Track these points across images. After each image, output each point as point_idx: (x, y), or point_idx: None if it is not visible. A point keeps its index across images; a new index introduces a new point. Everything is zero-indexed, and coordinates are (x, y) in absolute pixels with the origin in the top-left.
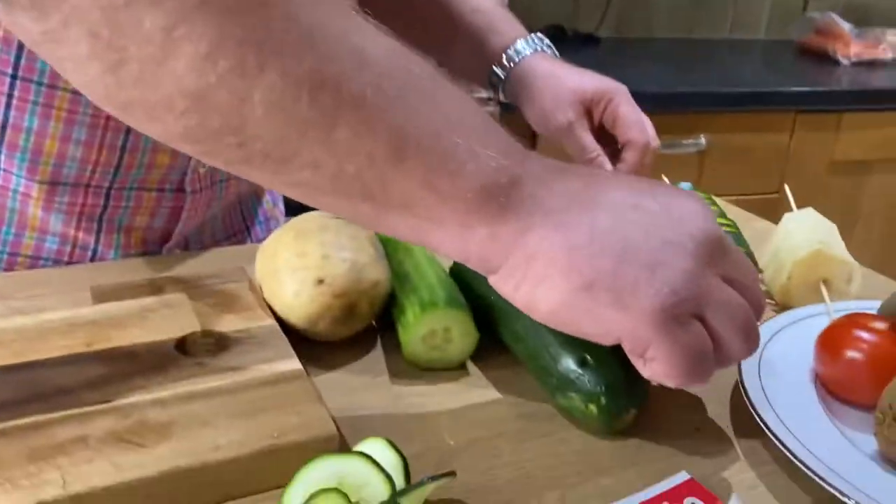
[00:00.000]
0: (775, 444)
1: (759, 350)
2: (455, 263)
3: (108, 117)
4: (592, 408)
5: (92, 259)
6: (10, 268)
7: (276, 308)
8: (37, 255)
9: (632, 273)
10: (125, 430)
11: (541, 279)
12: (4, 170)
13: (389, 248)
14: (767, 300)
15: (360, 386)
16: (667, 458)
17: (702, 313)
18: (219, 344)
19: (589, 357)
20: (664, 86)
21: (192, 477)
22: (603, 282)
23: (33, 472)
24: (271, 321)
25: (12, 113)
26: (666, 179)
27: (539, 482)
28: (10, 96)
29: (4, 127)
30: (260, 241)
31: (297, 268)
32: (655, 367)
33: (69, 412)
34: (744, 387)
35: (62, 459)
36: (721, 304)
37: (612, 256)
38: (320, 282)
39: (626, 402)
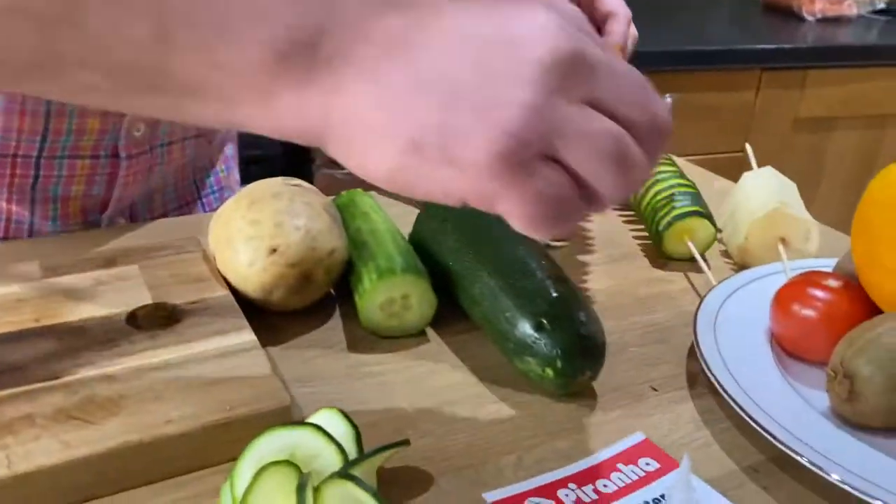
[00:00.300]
0: (730, 403)
1: (715, 309)
2: (414, 229)
3: None
4: (549, 371)
5: (29, 233)
6: None
7: (230, 278)
8: None
9: (460, 122)
10: (73, 406)
11: (365, 145)
12: None
13: (347, 215)
14: (726, 260)
15: (317, 356)
16: (622, 419)
17: (554, 152)
18: (171, 317)
19: (545, 321)
20: None
21: (142, 452)
22: (429, 138)
23: None
24: (225, 292)
25: None
26: None
27: (496, 447)
28: None
29: None
30: (213, 210)
31: (250, 236)
32: (513, 221)
33: (16, 390)
34: (699, 346)
35: (9, 439)
36: (581, 137)
37: (437, 106)
38: (273, 251)
39: (582, 365)
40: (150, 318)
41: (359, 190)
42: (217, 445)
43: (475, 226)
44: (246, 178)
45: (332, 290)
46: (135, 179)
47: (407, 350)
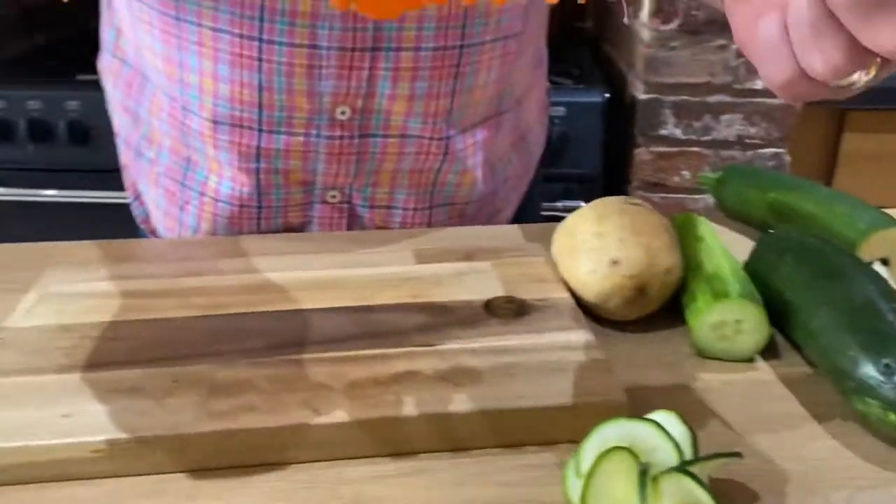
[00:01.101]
0: None
1: None
2: (751, 258)
3: (243, 54)
4: (892, 417)
5: (258, 203)
6: (201, 208)
7: (571, 283)
8: (216, 197)
9: None
10: (447, 370)
11: None
12: (185, 108)
13: (683, 235)
14: None
15: (646, 364)
16: None
17: None
18: (519, 310)
19: (892, 364)
20: None
21: (498, 418)
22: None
23: (376, 393)
24: (566, 294)
25: (178, 52)
26: None
27: (826, 481)
28: (178, 38)
29: (181, 66)
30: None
31: (594, 248)
32: None
33: (402, 349)
34: None
35: (397, 387)
36: None
37: None
38: (615, 262)
39: None
40: (502, 308)
41: (693, 213)
42: (560, 424)
43: (818, 260)
44: (567, 195)
45: (662, 307)
46: (345, 161)
47: (734, 373)
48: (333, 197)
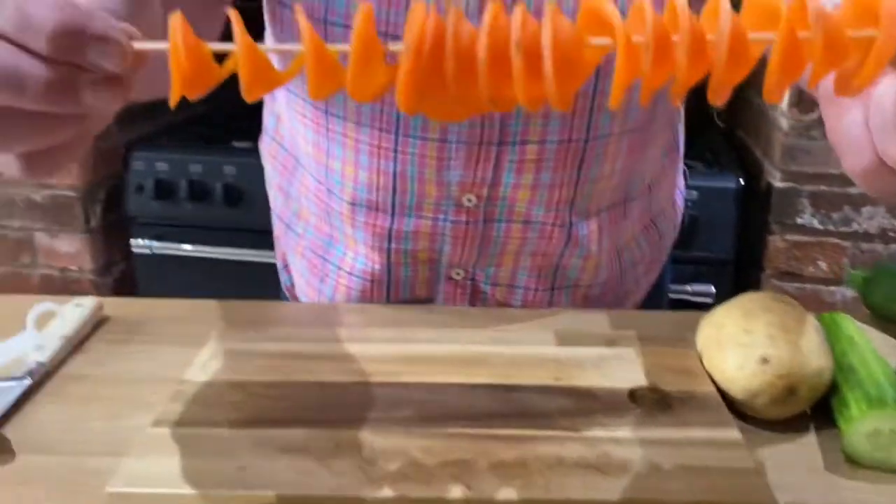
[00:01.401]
0: None
1: None
2: None
3: (381, 146)
4: None
5: (388, 279)
6: (338, 281)
7: (717, 378)
8: (351, 272)
9: None
10: (593, 458)
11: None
12: (329, 190)
13: (832, 337)
14: None
15: (794, 467)
16: None
17: None
18: (664, 401)
19: None
20: None
21: None
22: None
23: (524, 474)
24: (712, 388)
25: (326, 141)
26: None
27: None
28: (327, 129)
29: (328, 154)
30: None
31: (742, 343)
32: None
33: (548, 432)
34: None
35: (546, 470)
36: None
37: None
38: (765, 360)
39: None
40: (646, 398)
41: (840, 313)
42: None
43: None
44: (697, 278)
45: (808, 409)
46: (469, 243)
47: (891, 484)
48: (458, 274)
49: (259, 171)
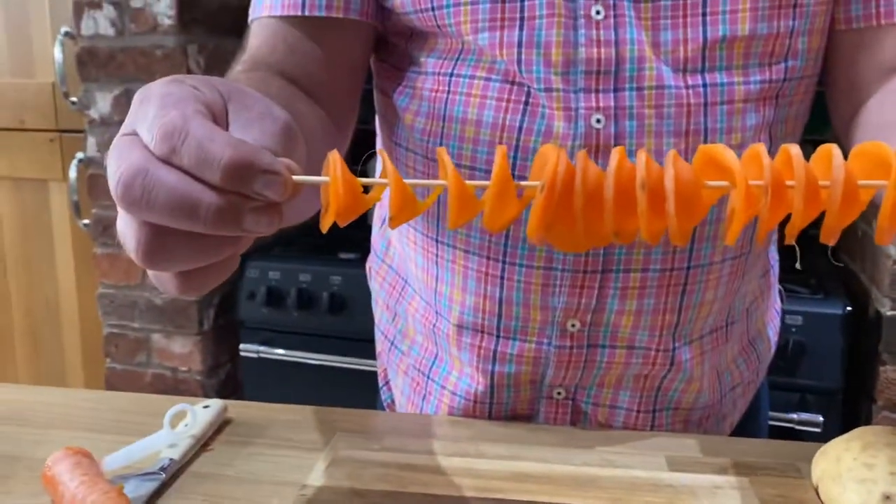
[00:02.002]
0: None
1: None
2: None
3: (488, 273)
4: None
5: (490, 399)
6: (440, 399)
7: None
8: (454, 391)
9: None
10: None
11: None
12: (437, 312)
13: None
14: None
15: None
16: None
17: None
18: None
19: None
20: None
21: None
22: None
23: None
24: None
25: (436, 267)
26: None
27: None
28: (436, 256)
29: (437, 278)
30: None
31: (863, 478)
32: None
33: None
34: None
35: None
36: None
37: None
38: (887, 498)
39: None
40: None
41: None
42: None
43: None
44: (802, 407)
45: None
46: (573, 367)
47: None
48: (559, 394)
49: (363, 281)
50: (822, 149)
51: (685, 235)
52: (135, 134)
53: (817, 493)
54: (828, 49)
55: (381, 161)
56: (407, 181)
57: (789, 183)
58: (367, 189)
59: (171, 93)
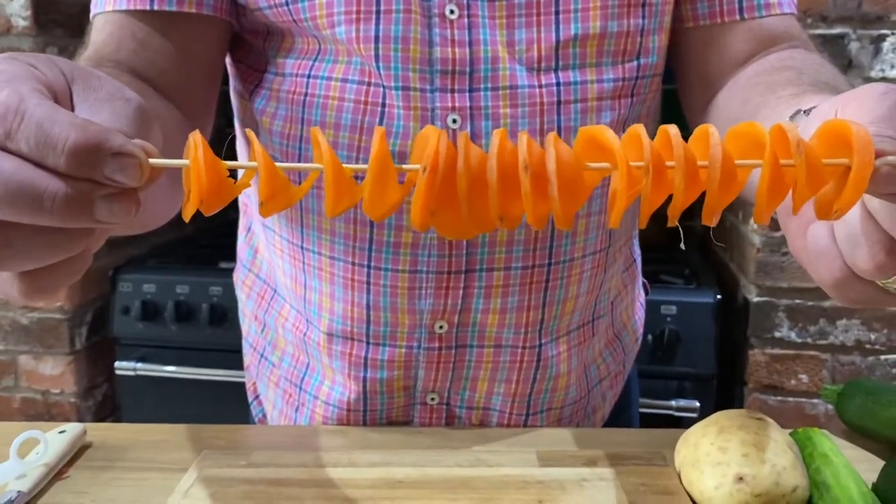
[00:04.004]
0: None
1: None
2: (880, 478)
3: (354, 278)
4: None
5: (364, 407)
6: (314, 410)
7: (695, 496)
8: (327, 401)
9: None
10: None
11: None
12: (307, 320)
13: (806, 454)
14: None
15: None
16: None
17: None
18: None
19: None
20: None
21: None
22: None
23: None
24: None
25: (303, 274)
26: None
27: None
28: (303, 263)
29: (305, 286)
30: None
31: (718, 462)
32: None
33: None
34: None
35: None
36: None
37: None
38: (740, 479)
39: None
40: None
41: (815, 428)
42: None
43: None
44: (681, 394)
45: None
46: (443, 369)
47: None
48: (433, 399)
49: None
50: (700, 129)
51: (569, 219)
52: None
53: (680, 480)
54: (679, 45)
55: (250, 141)
56: (279, 164)
57: (669, 164)
58: (235, 176)
59: (2, 70)
